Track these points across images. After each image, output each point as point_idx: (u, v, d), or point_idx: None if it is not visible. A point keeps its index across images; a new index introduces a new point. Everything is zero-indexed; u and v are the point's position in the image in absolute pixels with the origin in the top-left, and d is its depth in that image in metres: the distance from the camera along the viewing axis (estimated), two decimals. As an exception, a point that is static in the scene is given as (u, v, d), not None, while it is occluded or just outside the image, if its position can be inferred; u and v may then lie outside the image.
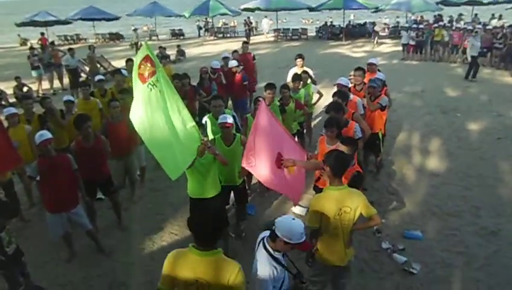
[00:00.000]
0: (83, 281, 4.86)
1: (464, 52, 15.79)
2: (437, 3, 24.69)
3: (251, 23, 28.34)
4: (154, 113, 4.18)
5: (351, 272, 4.12)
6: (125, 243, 5.59)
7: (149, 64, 4.10)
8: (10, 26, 30.63)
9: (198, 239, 2.65)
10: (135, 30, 23.91)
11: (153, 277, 4.87)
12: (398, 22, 27.39)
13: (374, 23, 26.32)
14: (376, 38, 23.19)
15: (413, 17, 24.67)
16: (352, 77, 7.34)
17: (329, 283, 3.94)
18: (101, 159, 5.54)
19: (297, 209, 6.13)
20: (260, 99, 6.10)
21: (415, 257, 5.06)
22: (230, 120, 4.96)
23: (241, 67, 9.65)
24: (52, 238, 5.22)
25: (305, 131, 8.30)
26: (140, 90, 4.19)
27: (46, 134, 4.82)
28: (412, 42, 17.68)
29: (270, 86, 6.61)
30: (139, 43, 22.36)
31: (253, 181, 6.70)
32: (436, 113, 10.53)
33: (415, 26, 18.72)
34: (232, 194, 5.44)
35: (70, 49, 14.26)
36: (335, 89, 6.48)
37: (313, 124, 9.04)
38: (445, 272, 4.82)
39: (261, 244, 3.08)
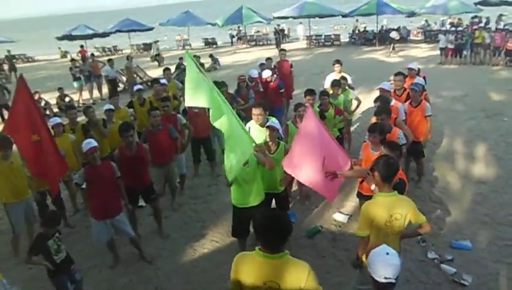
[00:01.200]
0: (126, 288, 4.93)
1: (507, 54, 15.18)
2: (475, 3, 23.90)
3: (282, 30, 28.34)
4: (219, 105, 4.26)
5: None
6: (166, 251, 5.64)
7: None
8: (51, 40, 31.93)
9: (268, 244, 2.57)
10: (156, 42, 24.44)
11: (195, 284, 4.91)
12: (428, 24, 26.57)
13: (398, 29, 25.62)
14: (392, 45, 22.54)
15: (448, 20, 23.92)
16: (392, 82, 7.20)
17: None
18: (142, 167, 5.63)
19: (339, 217, 6.01)
20: (305, 105, 6.06)
21: (464, 268, 4.82)
22: (277, 125, 4.95)
23: (276, 75, 9.65)
24: (96, 243, 5.31)
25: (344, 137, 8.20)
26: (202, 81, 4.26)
27: (92, 142, 4.97)
28: (450, 46, 17.12)
29: (310, 92, 6.56)
30: (160, 55, 22.86)
31: (293, 188, 6.63)
32: (480, 118, 10.11)
33: (453, 29, 18.14)
34: (273, 202, 5.39)
35: (109, 60, 14.73)
36: (373, 94, 6.37)
37: (352, 129, 8.86)
38: (498, 284, 4.57)
39: None
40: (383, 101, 5.75)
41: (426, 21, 26.53)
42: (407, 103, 6.55)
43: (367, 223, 3.46)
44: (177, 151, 6.63)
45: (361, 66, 17.78)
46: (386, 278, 2.40)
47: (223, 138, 5.17)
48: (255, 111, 5.47)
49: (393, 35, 22.89)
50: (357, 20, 28.54)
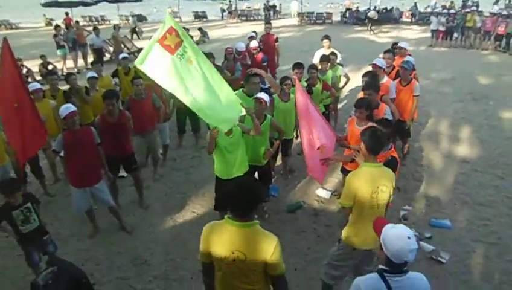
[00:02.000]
0: (105, 257, 4.85)
1: (497, 38, 15.15)
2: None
3: (273, 6, 27.84)
4: (189, 81, 4.09)
5: (375, 259, 3.98)
6: (146, 221, 5.57)
7: (174, 35, 4.00)
8: (36, 7, 30.94)
9: (236, 210, 2.52)
10: (133, 16, 23.83)
11: (174, 255, 4.87)
12: (416, 7, 26.39)
13: (375, 8, 25.45)
14: (370, 25, 22.40)
15: (441, 3, 23.73)
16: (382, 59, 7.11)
17: (352, 270, 3.74)
18: (124, 135, 5.51)
19: (322, 192, 6.00)
20: (290, 78, 5.97)
21: (443, 246, 4.86)
22: (266, 98, 4.88)
23: (259, 48, 9.50)
24: (75, 213, 5.22)
25: (331, 114, 8.16)
26: (169, 61, 4.04)
27: (71, 107, 4.80)
28: (441, 28, 17.06)
29: (298, 66, 6.45)
30: (139, 28, 22.40)
31: (277, 163, 6.58)
32: (467, 101, 10.16)
33: (445, 11, 18.02)
34: (256, 175, 5.34)
35: (95, 28, 14.30)
36: (361, 73, 6.25)
37: (339, 107, 8.80)
38: (475, 262, 4.63)
39: None
40: (371, 76, 5.68)
41: (415, 4, 26.26)
42: (396, 81, 6.49)
43: (351, 193, 3.38)
44: (160, 120, 6.49)
45: (352, 45, 17.63)
46: (406, 261, 2.29)
47: None
48: (253, 80, 5.50)
49: (371, 14, 22.76)
50: None
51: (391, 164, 3.88)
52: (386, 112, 5.19)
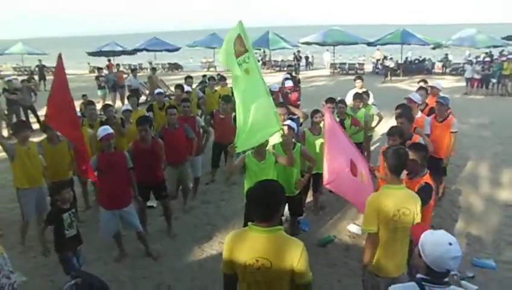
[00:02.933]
0: (130, 281, 4.79)
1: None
2: (503, 38, 23.62)
3: (300, 57, 28.36)
4: (241, 87, 4.24)
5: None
6: (173, 250, 5.51)
7: (239, 44, 4.19)
8: (82, 57, 33.03)
9: (258, 212, 2.44)
10: (150, 63, 24.89)
11: (200, 281, 4.74)
12: (447, 59, 26.27)
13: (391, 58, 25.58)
14: (388, 74, 22.58)
15: (473, 54, 23.65)
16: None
17: None
18: (156, 162, 5.59)
19: (353, 228, 5.78)
20: (320, 111, 6.00)
21: (486, 287, 4.51)
22: (293, 125, 4.96)
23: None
24: (103, 236, 5.23)
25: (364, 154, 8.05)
26: (234, 64, 4.24)
27: (108, 129, 4.99)
28: (476, 76, 16.88)
29: (330, 100, 6.50)
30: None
31: (308, 199, 6.45)
32: (508, 144, 9.78)
33: (480, 59, 17.92)
34: (286, 208, 5.22)
35: (133, 70, 15.04)
36: (394, 120, 6.16)
37: (371, 148, 8.66)
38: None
39: None
40: (404, 107, 5.61)
41: (446, 55, 26.24)
42: (431, 117, 6.35)
43: (373, 216, 3.21)
44: (192, 152, 6.56)
45: (384, 94, 17.56)
46: (448, 270, 2.12)
47: None
48: (279, 111, 5.46)
49: (388, 63, 22.85)
50: (378, 49, 28.56)
51: (425, 191, 3.66)
52: (419, 141, 5.04)
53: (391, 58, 25.51)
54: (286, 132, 4.82)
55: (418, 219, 3.26)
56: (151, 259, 5.23)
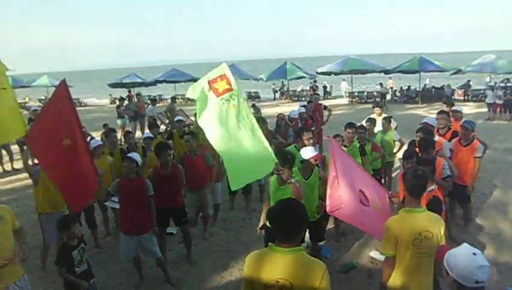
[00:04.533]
0: (149, 307, 4.71)
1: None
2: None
3: (317, 87, 28.33)
4: (226, 125, 4.32)
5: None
6: (193, 276, 5.44)
7: (225, 82, 4.36)
8: (104, 88, 34.03)
9: (282, 233, 2.40)
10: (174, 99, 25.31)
11: (220, 309, 4.63)
12: (469, 85, 25.93)
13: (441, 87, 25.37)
14: (383, 101, 22.70)
15: (494, 81, 23.32)
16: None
17: None
18: (176, 187, 5.59)
19: (376, 255, 5.61)
20: (341, 135, 6.00)
21: (521, 318, 4.27)
22: (316, 152, 4.91)
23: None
24: (122, 258, 5.22)
25: (385, 181, 7.95)
26: (214, 102, 4.38)
27: (137, 155, 5.11)
28: (498, 101, 16.61)
29: (350, 125, 6.48)
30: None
31: (330, 226, 6.31)
32: (535, 170, 9.48)
33: (502, 84, 17.68)
34: (307, 234, 5.12)
35: (153, 101, 15.32)
36: None
37: (393, 175, 8.51)
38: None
39: None
40: (424, 131, 5.53)
41: (468, 81, 25.95)
42: (455, 140, 6.22)
43: (391, 240, 3.12)
44: (212, 179, 6.55)
45: (403, 122, 17.34)
46: (477, 282, 2.02)
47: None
48: (306, 135, 5.71)
49: (383, 90, 24.06)
50: (390, 78, 28.56)
51: (434, 204, 3.60)
52: (443, 166, 4.94)
53: (380, 84, 25.53)
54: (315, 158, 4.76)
55: (442, 241, 3.14)
56: (170, 285, 5.16)
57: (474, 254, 2.05)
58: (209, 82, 4.39)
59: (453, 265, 2.08)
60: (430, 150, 4.96)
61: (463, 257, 2.07)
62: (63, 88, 4.51)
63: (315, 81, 28.36)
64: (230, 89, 4.37)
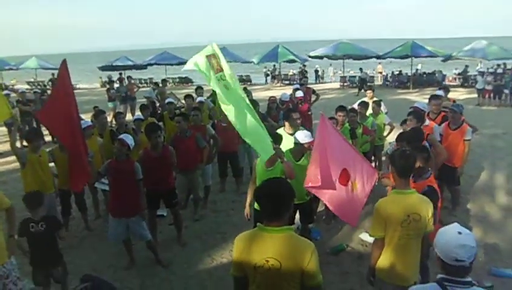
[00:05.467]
0: (140, 289, 4.74)
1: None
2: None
3: (306, 72, 28.11)
4: (230, 101, 4.27)
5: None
6: (183, 258, 5.45)
7: (214, 61, 4.31)
8: (95, 71, 33.55)
9: (268, 211, 2.40)
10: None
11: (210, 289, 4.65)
12: (467, 71, 26.05)
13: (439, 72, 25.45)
14: (362, 85, 22.88)
15: (482, 66, 23.43)
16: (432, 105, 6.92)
17: None
18: (166, 169, 5.56)
19: (366, 237, 5.66)
20: (335, 118, 6.00)
21: (506, 296, 4.36)
22: (312, 138, 4.83)
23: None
24: (111, 241, 5.22)
25: (376, 164, 7.98)
26: (214, 79, 4.30)
27: (130, 138, 5.03)
28: (488, 87, 16.70)
29: (341, 108, 6.46)
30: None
31: (320, 208, 6.35)
32: (522, 154, 9.59)
33: (491, 70, 17.76)
34: (297, 216, 5.14)
35: (155, 84, 15.21)
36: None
37: (383, 159, 8.55)
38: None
39: None
40: (415, 115, 5.55)
41: (466, 66, 25.99)
42: (444, 124, 6.25)
43: (380, 222, 3.14)
44: (203, 160, 6.54)
45: (395, 106, 17.41)
46: (457, 260, 2.03)
47: (254, 154, 5.11)
48: (295, 115, 5.55)
49: (363, 76, 24.00)
50: (379, 63, 28.51)
51: (429, 193, 3.55)
52: (434, 130, 5.20)
53: (360, 69, 25.59)
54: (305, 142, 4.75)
55: (430, 225, 3.17)
56: (161, 267, 5.17)
57: (460, 233, 2.06)
58: (207, 57, 4.31)
59: (437, 241, 2.11)
60: (418, 143, 4.85)
61: (447, 234, 2.09)
62: (63, 69, 4.72)
63: (304, 65, 28.07)
64: (221, 70, 4.32)
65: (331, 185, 4.07)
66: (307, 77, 13.81)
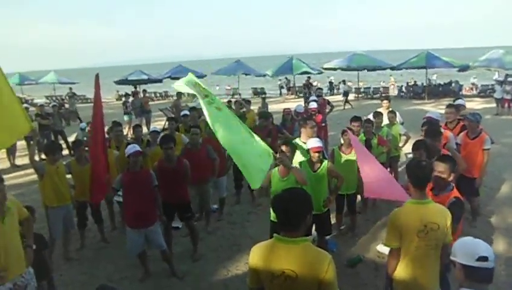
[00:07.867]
0: (155, 300, 4.70)
1: None
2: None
3: (311, 84, 27.88)
4: (220, 124, 4.31)
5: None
6: (198, 270, 5.42)
7: (198, 88, 4.58)
8: (110, 85, 34.08)
9: (285, 222, 2.37)
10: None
11: (225, 302, 4.61)
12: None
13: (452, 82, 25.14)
14: (346, 98, 22.85)
15: (498, 76, 23.02)
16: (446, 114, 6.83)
17: None
18: (180, 182, 5.51)
19: (382, 248, 5.55)
20: (352, 129, 5.98)
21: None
22: (321, 144, 4.87)
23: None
24: (128, 254, 5.21)
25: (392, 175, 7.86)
26: (204, 105, 4.39)
27: (137, 146, 5.04)
28: (506, 96, 16.42)
29: (356, 119, 6.47)
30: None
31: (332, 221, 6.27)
32: (545, 165, 9.34)
33: (510, 79, 17.46)
34: (313, 228, 5.08)
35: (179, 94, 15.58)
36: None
37: (399, 170, 8.42)
38: None
39: None
40: (430, 124, 5.47)
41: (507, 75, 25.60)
42: (463, 133, 6.15)
43: (394, 232, 3.07)
44: (214, 173, 6.49)
45: (410, 117, 17.20)
46: (480, 258, 1.97)
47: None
48: (310, 123, 5.76)
49: (345, 88, 24.04)
50: (391, 75, 28.29)
51: (455, 206, 3.46)
52: (449, 139, 5.20)
53: (343, 81, 25.46)
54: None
55: (449, 235, 3.10)
56: (176, 279, 5.15)
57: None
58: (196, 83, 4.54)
59: (457, 248, 2.10)
60: (438, 137, 4.90)
61: (466, 239, 2.13)
62: (96, 82, 5.12)
63: (309, 78, 27.92)
64: (206, 95, 4.49)
65: (378, 182, 4.41)
66: (321, 88, 13.85)
